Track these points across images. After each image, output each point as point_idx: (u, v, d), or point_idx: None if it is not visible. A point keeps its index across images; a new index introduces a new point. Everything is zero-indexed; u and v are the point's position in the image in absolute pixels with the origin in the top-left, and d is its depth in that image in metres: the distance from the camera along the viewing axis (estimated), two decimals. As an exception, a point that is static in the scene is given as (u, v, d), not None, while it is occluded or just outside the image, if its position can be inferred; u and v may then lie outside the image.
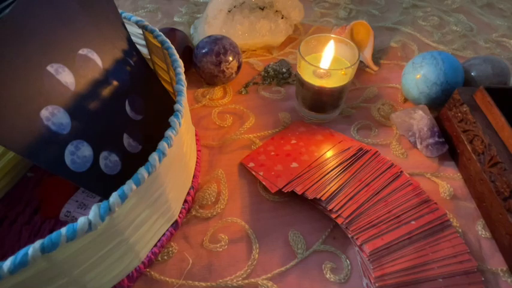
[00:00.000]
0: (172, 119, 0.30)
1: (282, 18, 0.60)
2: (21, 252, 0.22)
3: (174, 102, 0.32)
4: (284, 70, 0.57)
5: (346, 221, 0.36)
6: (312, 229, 0.38)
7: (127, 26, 0.35)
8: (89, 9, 0.31)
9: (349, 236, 0.36)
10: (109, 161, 0.30)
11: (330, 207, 0.37)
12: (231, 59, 0.51)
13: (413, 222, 0.36)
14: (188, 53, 0.54)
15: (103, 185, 0.30)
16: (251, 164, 0.43)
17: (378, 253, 0.34)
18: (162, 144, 0.28)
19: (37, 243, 0.22)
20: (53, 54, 0.28)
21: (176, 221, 0.37)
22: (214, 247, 0.37)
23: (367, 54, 0.58)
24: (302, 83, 0.47)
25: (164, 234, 0.36)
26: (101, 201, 0.25)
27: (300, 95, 0.49)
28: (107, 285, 0.31)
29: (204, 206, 0.40)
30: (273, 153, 0.44)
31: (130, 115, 0.33)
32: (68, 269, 0.25)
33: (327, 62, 0.47)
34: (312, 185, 0.39)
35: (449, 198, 0.41)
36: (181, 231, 0.38)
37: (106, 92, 0.31)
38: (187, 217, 0.39)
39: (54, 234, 0.22)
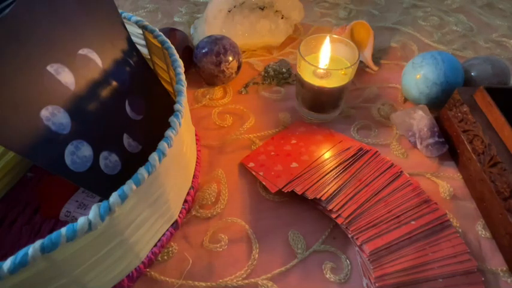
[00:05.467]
0: (172, 119, 0.30)
1: (282, 18, 0.60)
2: (21, 252, 0.22)
3: (174, 102, 0.32)
4: (284, 70, 0.57)
5: (346, 221, 0.36)
6: (312, 229, 0.38)
7: (127, 26, 0.35)
8: (89, 9, 0.31)
9: (349, 236, 0.36)
10: (109, 161, 0.30)
11: (330, 207, 0.37)
12: (231, 59, 0.51)
13: (413, 222, 0.36)
14: (188, 53, 0.54)
15: (103, 185, 0.30)
16: (251, 164, 0.43)
17: (378, 253, 0.34)
18: (162, 144, 0.28)
19: (37, 243, 0.22)
20: (53, 54, 0.28)
21: (176, 221, 0.37)
22: (214, 247, 0.37)
23: (367, 54, 0.58)
24: (302, 83, 0.47)
25: (164, 234, 0.36)
26: (101, 201, 0.25)
27: (300, 95, 0.49)
28: (107, 285, 0.31)
29: (204, 206, 0.40)
30: (273, 153, 0.44)
31: (131, 115, 0.33)
32: (68, 269, 0.25)
33: (326, 61, 0.47)
34: (312, 185, 0.39)
35: (449, 198, 0.41)
36: (181, 231, 0.38)
37: (106, 92, 0.31)
38: (187, 217, 0.39)
39: (54, 234, 0.22)
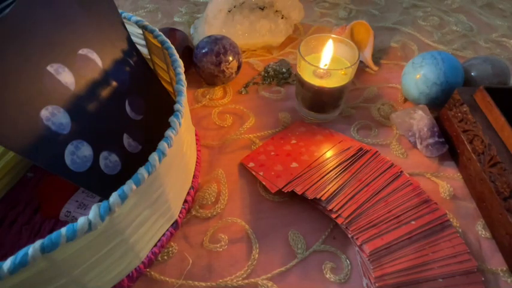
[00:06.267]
0: (172, 119, 0.30)
1: (282, 18, 0.60)
2: (21, 252, 0.21)
3: (174, 102, 0.32)
4: (284, 70, 0.57)
5: (346, 221, 0.36)
6: (312, 229, 0.38)
7: (127, 26, 0.35)
8: (89, 9, 0.31)
9: (349, 236, 0.36)
10: (109, 161, 0.30)
11: (329, 207, 0.37)
12: (231, 59, 0.51)
13: (413, 222, 0.36)
14: (188, 53, 0.54)
15: (103, 185, 0.30)
16: (251, 164, 0.43)
17: (377, 253, 0.34)
18: (162, 144, 0.28)
19: (37, 243, 0.22)
20: (53, 54, 0.28)
21: (176, 221, 0.37)
22: (214, 247, 0.37)
23: (367, 54, 0.58)
24: (302, 83, 0.47)
25: (164, 234, 0.36)
26: (101, 201, 0.25)
27: (300, 95, 0.49)
28: (107, 285, 0.31)
29: (204, 206, 0.40)
30: (273, 153, 0.44)
31: (131, 115, 0.33)
32: (68, 269, 0.25)
33: (326, 61, 0.47)
34: (312, 185, 0.39)
35: (449, 198, 0.41)
36: (181, 231, 0.38)
37: (106, 92, 0.31)
38: (187, 217, 0.39)
39: (54, 234, 0.22)
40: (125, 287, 0.32)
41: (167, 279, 0.34)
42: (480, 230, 0.38)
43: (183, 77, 0.34)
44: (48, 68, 0.27)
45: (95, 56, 0.31)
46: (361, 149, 0.43)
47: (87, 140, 0.29)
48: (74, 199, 0.37)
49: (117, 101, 0.32)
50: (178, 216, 0.37)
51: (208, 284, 0.34)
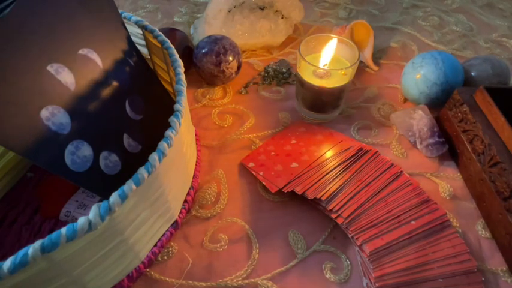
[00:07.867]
0: (172, 119, 0.30)
1: (282, 18, 0.60)
2: (21, 252, 0.21)
3: (174, 102, 0.32)
4: (284, 70, 0.57)
5: (346, 221, 0.36)
6: (312, 229, 0.38)
7: (127, 26, 0.35)
8: (89, 9, 0.31)
9: (349, 236, 0.36)
10: (109, 161, 0.30)
11: (330, 207, 0.37)
12: (231, 59, 0.51)
13: (413, 222, 0.36)
14: (188, 53, 0.54)
15: (103, 185, 0.30)
16: (251, 164, 0.43)
17: (378, 253, 0.34)
18: (162, 144, 0.28)
19: (37, 243, 0.22)
20: (53, 54, 0.28)
21: (176, 221, 0.37)
22: (214, 247, 0.37)
23: (367, 54, 0.58)
24: (302, 83, 0.47)
25: (164, 234, 0.36)
26: (101, 201, 0.25)
27: (300, 95, 0.49)
28: (107, 285, 0.31)
29: (204, 206, 0.40)
30: (273, 153, 0.44)
31: (131, 115, 0.33)
32: (68, 269, 0.25)
33: (326, 60, 0.47)
34: (312, 185, 0.39)
35: (449, 198, 0.41)
36: (181, 231, 0.38)
37: (106, 92, 0.31)
38: (187, 217, 0.39)
39: (54, 234, 0.22)
40: (125, 287, 0.32)
41: (167, 279, 0.34)
42: (480, 230, 0.38)
43: (183, 77, 0.34)
44: (48, 68, 0.27)
45: (95, 56, 0.31)
46: (361, 149, 0.43)
47: (87, 140, 0.29)
48: (74, 199, 0.37)
49: (117, 101, 0.32)
50: (178, 216, 0.37)
51: (208, 284, 0.34)
